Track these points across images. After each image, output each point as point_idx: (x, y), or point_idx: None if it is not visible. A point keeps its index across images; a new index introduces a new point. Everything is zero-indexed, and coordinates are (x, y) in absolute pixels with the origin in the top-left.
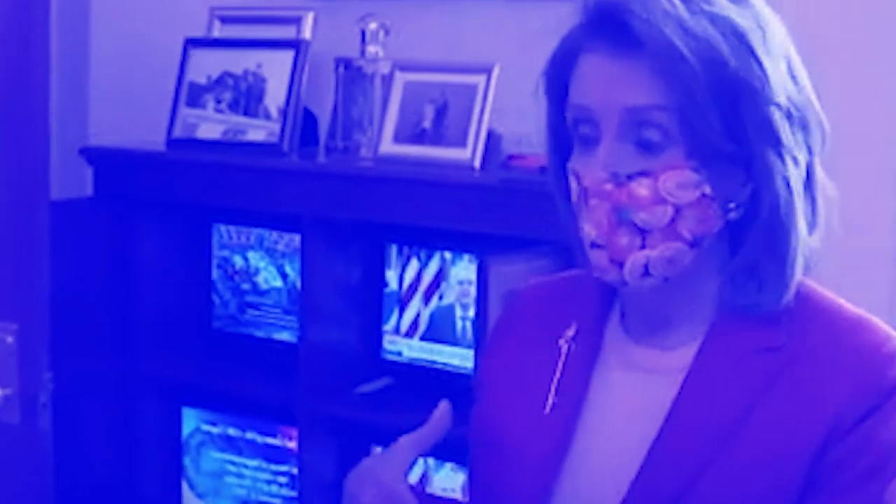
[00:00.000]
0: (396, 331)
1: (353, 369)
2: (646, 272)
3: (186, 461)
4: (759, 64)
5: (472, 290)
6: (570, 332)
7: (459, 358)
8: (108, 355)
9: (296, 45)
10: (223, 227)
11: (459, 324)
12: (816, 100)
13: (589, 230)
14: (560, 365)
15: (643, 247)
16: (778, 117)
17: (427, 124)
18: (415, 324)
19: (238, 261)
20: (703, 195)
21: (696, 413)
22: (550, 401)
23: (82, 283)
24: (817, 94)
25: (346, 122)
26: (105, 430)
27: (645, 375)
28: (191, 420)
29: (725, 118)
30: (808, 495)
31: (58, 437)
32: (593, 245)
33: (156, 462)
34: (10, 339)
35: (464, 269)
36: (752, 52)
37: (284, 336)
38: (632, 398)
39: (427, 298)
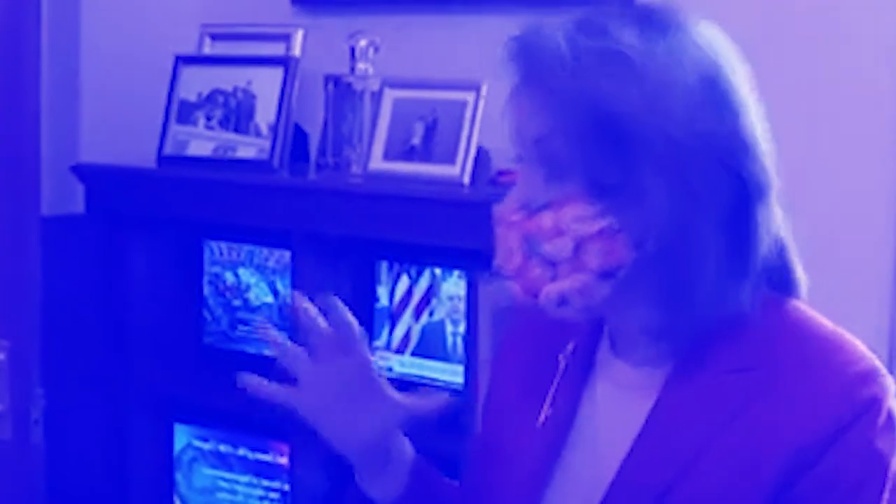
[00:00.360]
0: (387, 346)
1: None
2: (562, 302)
3: (178, 477)
4: (649, 96)
5: (462, 306)
6: (570, 348)
7: (450, 373)
8: (100, 371)
9: (285, 61)
10: (214, 244)
11: (450, 339)
12: (758, 133)
13: (497, 259)
14: (556, 379)
15: (554, 278)
16: (671, 150)
17: (416, 141)
18: (405, 339)
19: (229, 277)
20: (603, 228)
21: (666, 431)
22: (544, 413)
23: (74, 299)
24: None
25: (336, 139)
26: (97, 446)
27: (627, 391)
28: (182, 436)
29: (608, 151)
30: None
31: (49, 453)
32: (499, 273)
33: (147, 478)
34: (1, 356)
35: (454, 286)
36: (642, 84)
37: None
38: (615, 414)
39: (418, 314)
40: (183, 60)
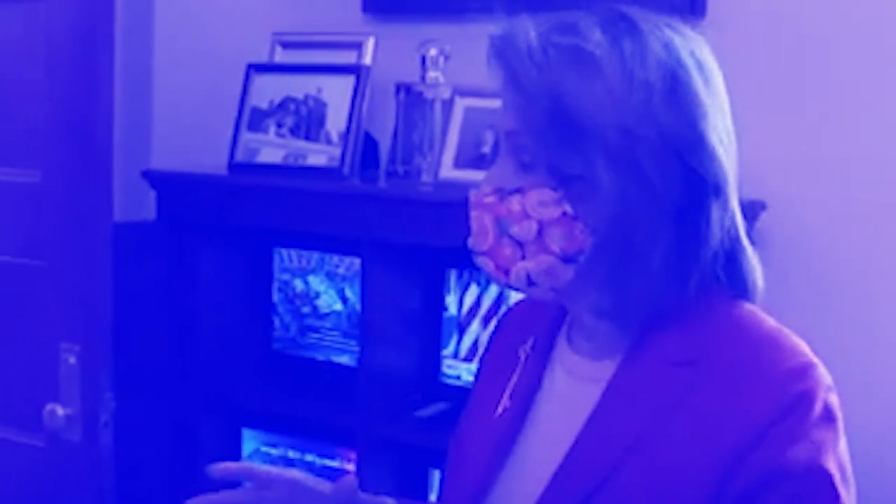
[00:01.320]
0: (455, 355)
1: (412, 393)
2: (530, 282)
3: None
4: (612, 94)
5: None
6: (529, 343)
7: None
8: (170, 376)
9: (357, 70)
10: (284, 251)
11: None
12: (728, 138)
13: (471, 239)
14: (516, 372)
15: (523, 257)
16: (626, 142)
17: (487, 149)
18: (474, 348)
19: (298, 284)
20: (564, 214)
21: (610, 421)
22: (503, 405)
23: (144, 305)
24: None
25: (407, 147)
26: (165, 451)
27: (580, 383)
28: (250, 441)
29: (566, 143)
30: None
31: (118, 457)
32: (473, 252)
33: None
34: (72, 360)
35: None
36: (602, 79)
37: (344, 359)
38: (568, 404)
39: (486, 323)
40: (255, 68)
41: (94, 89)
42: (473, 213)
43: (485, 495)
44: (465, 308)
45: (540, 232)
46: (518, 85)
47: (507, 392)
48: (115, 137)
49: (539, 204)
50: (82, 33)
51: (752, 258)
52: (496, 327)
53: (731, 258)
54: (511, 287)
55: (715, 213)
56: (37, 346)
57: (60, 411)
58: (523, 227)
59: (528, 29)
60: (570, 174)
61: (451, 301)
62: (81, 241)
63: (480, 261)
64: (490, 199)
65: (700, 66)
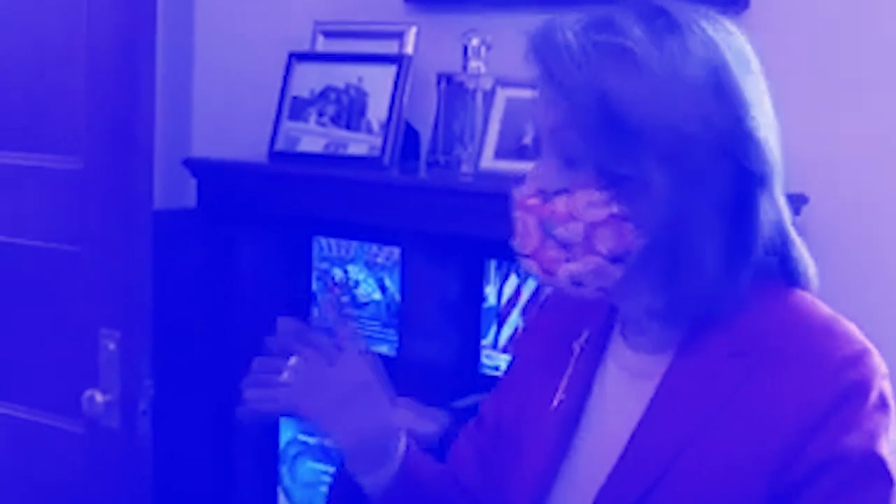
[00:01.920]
0: (494, 346)
1: (451, 383)
2: (576, 283)
3: (283, 470)
4: (654, 88)
5: None
6: (584, 337)
7: None
8: (208, 364)
9: (398, 59)
10: (323, 240)
11: None
12: (765, 124)
13: (515, 240)
14: (570, 366)
15: (569, 259)
16: (676, 141)
17: (528, 140)
18: (513, 339)
19: (338, 273)
20: (613, 214)
21: (665, 416)
22: (558, 398)
23: (184, 292)
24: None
25: (448, 137)
26: (203, 438)
27: (634, 378)
28: (288, 430)
29: (615, 143)
30: None
31: (156, 444)
32: (518, 254)
33: (252, 471)
34: (112, 346)
35: None
36: (648, 78)
37: (383, 349)
38: (623, 399)
39: (525, 313)
40: (296, 57)
41: (135, 78)
42: (517, 215)
43: (547, 490)
44: (505, 298)
45: (587, 233)
46: (559, 84)
47: (562, 386)
48: (156, 125)
49: (587, 205)
50: (124, 21)
51: (801, 246)
52: (538, 314)
53: (781, 248)
54: (557, 288)
55: (764, 204)
56: (76, 332)
57: (99, 397)
58: (570, 229)
59: (565, 26)
60: (619, 174)
61: (490, 291)
62: (122, 228)
63: (525, 263)
64: (533, 201)
65: (740, 57)
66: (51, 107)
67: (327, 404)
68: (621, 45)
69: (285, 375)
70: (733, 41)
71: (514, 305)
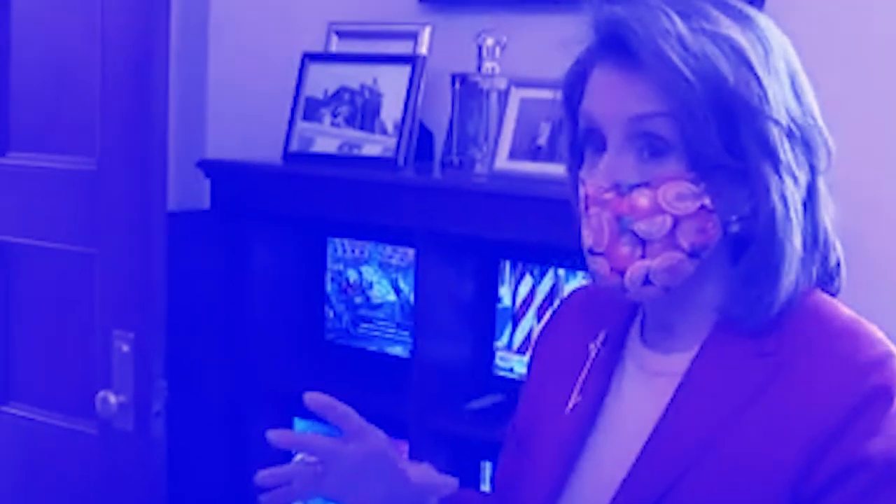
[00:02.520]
0: (509, 347)
1: (465, 385)
2: (647, 281)
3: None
4: (758, 81)
5: None
6: (601, 337)
7: None
8: (222, 365)
9: (412, 60)
10: (338, 241)
11: None
12: (821, 120)
13: (587, 237)
14: (586, 367)
15: (643, 256)
16: (776, 134)
17: (542, 141)
18: (527, 340)
19: (352, 274)
20: (702, 207)
21: (685, 416)
22: (573, 400)
23: (198, 293)
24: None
25: (462, 138)
26: (217, 439)
27: (652, 378)
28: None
29: (723, 132)
30: None
31: (170, 446)
32: (591, 252)
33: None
34: (126, 348)
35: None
36: (752, 69)
37: (397, 350)
38: (640, 400)
39: (540, 315)
40: (310, 58)
41: (149, 78)
42: (592, 210)
43: (559, 492)
44: (519, 300)
45: (673, 227)
46: (674, 70)
47: (578, 387)
48: (170, 127)
49: (676, 197)
50: (138, 23)
51: (839, 245)
52: (554, 317)
53: (825, 246)
54: (617, 289)
55: (824, 197)
56: (90, 334)
57: (113, 399)
58: (654, 224)
59: (659, 13)
60: (715, 164)
61: (504, 292)
62: (136, 229)
63: (595, 262)
64: (609, 196)
65: (792, 49)
66: (65, 108)
67: (345, 477)
68: (721, 34)
69: (294, 468)
70: (783, 36)
71: (528, 306)
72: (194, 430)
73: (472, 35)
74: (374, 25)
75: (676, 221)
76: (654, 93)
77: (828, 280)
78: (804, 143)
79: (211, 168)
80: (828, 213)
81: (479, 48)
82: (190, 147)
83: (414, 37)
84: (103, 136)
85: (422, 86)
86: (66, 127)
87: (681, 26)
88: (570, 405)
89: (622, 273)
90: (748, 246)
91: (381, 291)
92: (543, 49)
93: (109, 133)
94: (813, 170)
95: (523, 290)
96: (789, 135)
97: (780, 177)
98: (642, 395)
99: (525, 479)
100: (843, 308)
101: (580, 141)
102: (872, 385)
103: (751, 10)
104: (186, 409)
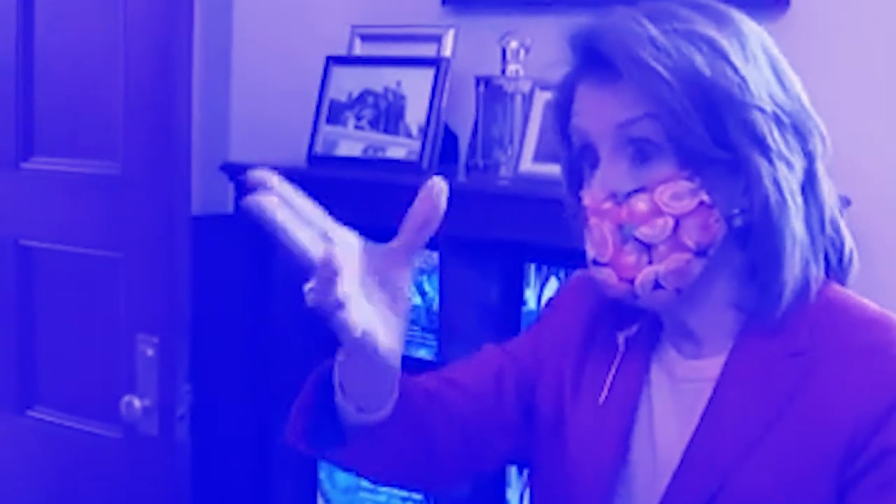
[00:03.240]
0: None
1: None
2: (657, 286)
3: (322, 476)
4: (736, 70)
5: None
6: (633, 330)
7: None
8: (246, 369)
9: (436, 62)
10: None
11: None
12: (811, 106)
13: (589, 249)
14: (616, 360)
15: (651, 262)
16: (762, 121)
17: None
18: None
19: None
20: (702, 203)
21: (725, 420)
22: (604, 394)
23: (222, 297)
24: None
25: (486, 141)
26: (241, 443)
27: (679, 382)
28: None
29: (709, 126)
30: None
31: (194, 449)
32: (595, 263)
33: (291, 476)
34: (150, 352)
35: None
36: (728, 60)
37: (422, 354)
38: (670, 405)
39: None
40: (334, 61)
41: (172, 82)
42: (592, 222)
43: (612, 496)
44: (544, 302)
45: (676, 228)
46: (651, 72)
47: (608, 382)
48: (193, 130)
49: (673, 197)
50: (161, 27)
51: (849, 235)
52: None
53: (833, 236)
54: (629, 297)
55: (824, 183)
56: (114, 338)
57: (137, 403)
58: (656, 227)
59: (630, 20)
60: (707, 159)
61: (529, 295)
62: (160, 233)
63: (601, 273)
64: (608, 205)
65: (771, 41)
66: (89, 112)
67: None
68: (696, 31)
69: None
70: (760, 27)
71: None
72: (218, 433)
73: (495, 37)
74: (397, 28)
75: (678, 221)
76: (635, 97)
77: (841, 273)
78: (794, 128)
79: (235, 171)
80: (832, 198)
81: (503, 50)
82: (214, 150)
83: (437, 39)
84: (127, 140)
85: (446, 88)
86: (90, 131)
87: (652, 29)
88: (602, 398)
89: (631, 281)
90: (747, 238)
91: None
92: (568, 52)
93: (133, 137)
94: (809, 156)
95: (549, 292)
96: (777, 121)
97: (772, 163)
98: (672, 400)
99: (570, 473)
100: (865, 301)
101: (578, 160)
102: None
103: (723, 7)
104: (210, 413)
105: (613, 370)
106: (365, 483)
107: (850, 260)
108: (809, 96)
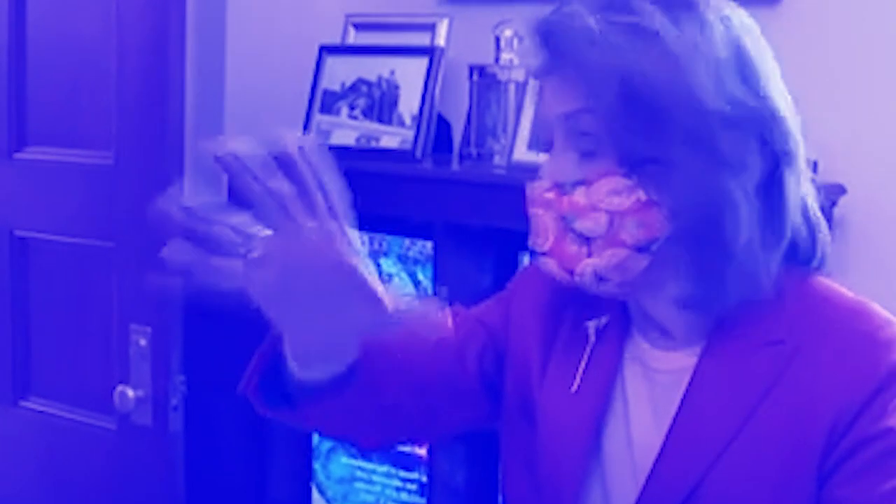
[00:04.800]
0: None
1: None
2: (599, 278)
3: (316, 466)
4: (681, 69)
5: None
6: (603, 321)
7: None
8: (240, 359)
9: (430, 51)
10: (356, 233)
11: None
12: (790, 102)
13: (532, 238)
14: (588, 349)
15: (590, 254)
16: (705, 121)
17: None
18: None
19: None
20: (639, 201)
21: (704, 411)
22: (577, 382)
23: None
24: None
25: (480, 130)
26: (235, 434)
27: (651, 374)
28: None
29: (643, 124)
30: (821, 489)
31: (188, 440)
32: (535, 252)
33: (286, 466)
34: (143, 342)
35: None
36: (672, 58)
37: None
38: (643, 397)
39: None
40: (327, 50)
41: (166, 72)
42: (533, 211)
43: (583, 481)
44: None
45: (611, 223)
46: (579, 66)
47: (581, 369)
48: (186, 120)
49: (609, 193)
50: (154, 16)
51: (825, 226)
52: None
53: (807, 228)
54: (574, 284)
55: (790, 183)
56: (108, 328)
57: (131, 393)
58: (591, 221)
59: (580, 10)
60: (644, 157)
61: None
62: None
63: (543, 262)
64: (550, 195)
65: (754, 35)
66: (82, 102)
67: (287, 289)
68: (640, 25)
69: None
70: (745, 20)
71: None
72: (212, 424)
73: (489, 26)
74: (391, 17)
75: (613, 218)
76: (573, 90)
77: (814, 258)
78: (752, 128)
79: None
80: (810, 196)
81: (497, 39)
82: (206, 140)
83: (431, 28)
84: (120, 130)
85: (439, 77)
86: (83, 121)
87: (591, 21)
88: (574, 386)
89: (571, 272)
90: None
91: (400, 284)
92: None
93: (126, 127)
94: (774, 155)
95: None
96: (727, 121)
97: (715, 165)
98: (645, 393)
99: (541, 461)
100: (845, 290)
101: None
102: (891, 362)
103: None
104: (204, 404)
105: (585, 358)
106: (360, 473)
107: (824, 252)
108: (801, 86)
